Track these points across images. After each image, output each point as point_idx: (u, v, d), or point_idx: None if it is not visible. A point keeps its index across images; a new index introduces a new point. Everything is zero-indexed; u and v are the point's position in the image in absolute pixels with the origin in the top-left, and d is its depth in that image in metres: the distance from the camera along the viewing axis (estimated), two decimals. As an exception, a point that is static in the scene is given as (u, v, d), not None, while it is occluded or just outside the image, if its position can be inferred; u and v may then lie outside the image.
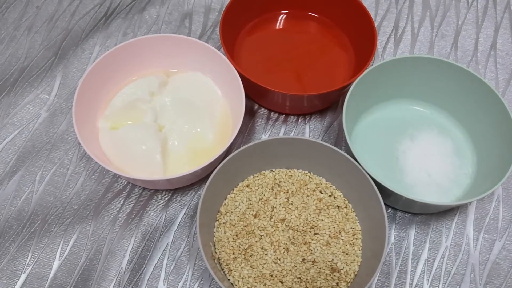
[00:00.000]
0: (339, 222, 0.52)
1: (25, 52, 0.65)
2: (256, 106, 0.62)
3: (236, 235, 0.51)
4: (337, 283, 0.49)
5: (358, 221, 0.52)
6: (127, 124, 0.56)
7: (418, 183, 0.55)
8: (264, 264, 0.49)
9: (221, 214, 0.52)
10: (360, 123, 0.59)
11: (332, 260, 0.50)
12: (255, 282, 0.48)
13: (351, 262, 0.50)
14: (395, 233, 0.54)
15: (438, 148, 0.57)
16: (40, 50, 0.66)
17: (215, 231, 0.51)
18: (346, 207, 0.53)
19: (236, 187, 0.54)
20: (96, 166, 0.57)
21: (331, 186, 0.54)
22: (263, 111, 0.62)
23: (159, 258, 0.52)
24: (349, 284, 0.49)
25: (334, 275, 0.49)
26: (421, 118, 0.59)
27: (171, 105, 0.57)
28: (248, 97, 0.61)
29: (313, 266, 0.49)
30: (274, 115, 0.62)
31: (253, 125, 0.61)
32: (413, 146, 0.58)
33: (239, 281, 0.48)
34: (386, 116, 0.60)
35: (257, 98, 0.61)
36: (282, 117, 0.61)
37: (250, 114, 0.61)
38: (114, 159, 0.55)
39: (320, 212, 0.52)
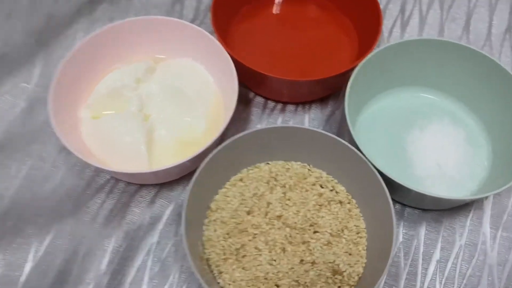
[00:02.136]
0: (342, 219, 0.47)
1: (4, 39, 0.61)
2: (251, 94, 0.57)
3: (228, 234, 0.46)
4: (339, 287, 0.44)
5: (362, 218, 0.47)
6: (110, 113, 0.52)
7: (428, 175, 0.50)
8: (258, 265, 0.44)
9: (211, 211, 0.47)
10: (364, 113, 0.55)
11: (334, 261, 0.45)
12: (248, 286, 0.43)
13: (355, 264, 0.45)
14: (403, 231, 0.49)
15: (449, 138, 0.52)
16: (20, 37, 0.61)
17: (204, 229, 0.47)
18: (349, 203, 0.48)
19: (228, 181, 0.49)
20: (77, 159, 0.52)
21: (332, 180, 0.49)
22: (259, 100, 0.57)
23: (143, 259, 0.47)
24: (352, 288, 0.44)
25: (336, 278, 0.44)
26: (431, 106, 0.54)
27: (158, 93, 0.53)
28: (243, 85, 0.56)
29: (312, 268, 0.44)
30: (270, 104, 0.57)
31: (248, 114, 0.56)
32: (422, 137, 0.53)
33: (229, 284, 0.44)
34: (392, 104, 0.55)
35: (252, 85, 0.57)
36: (279, 106, 0.57)
37: (245, 102, 0.57)
38: (97, 151, 0.50)
39: (321, 208, 0.47)
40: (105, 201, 0.50)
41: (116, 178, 0.51)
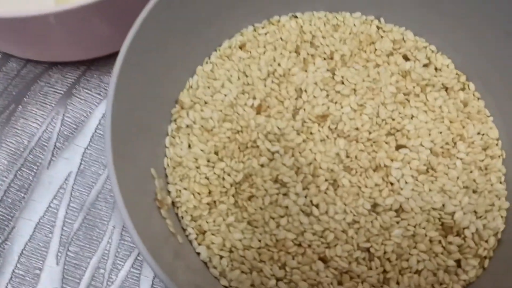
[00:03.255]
0: (451, 122, 0.23)
1: None
2: None
3: (217, 153, 0.22)
4: (458, 262, 0.20)
5: (492, 118, 0.23)
6: None
7: None
8: (281, 217, 0.20)
9: (181, 108, 0.23)
10: None
11: (443, 206, 0.21)
12: (259, 261, 0.20)
13: (486, 212, 0.21)
14: None
15: None
16: None
17: (167, 144, 0.22)
18: (463, 90, 0.24)
19: (216, 50, 0.24)
20: None
21: (426, 46, 0.25)
22: None
23: (48, 206, 0.23)
24: (486, 263, 0.20)
25: (450, 243, 0.20)
26: None
27: None
28: None
29: (398, 222, 0.21)
30: None
31: None
32: None
33: (221, 257, 0.20)
34: None
35: None
36: None
37: None
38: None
39: (408, 100, 0.23)
40: (-22, 94, 0.26)
41: (3, 55, 0.27)
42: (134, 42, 0.20)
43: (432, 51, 0.25)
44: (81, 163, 0.25)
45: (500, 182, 0.22)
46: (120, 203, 0.17)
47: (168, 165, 0.22)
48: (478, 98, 0.24)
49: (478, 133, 0.23)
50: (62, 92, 0.26)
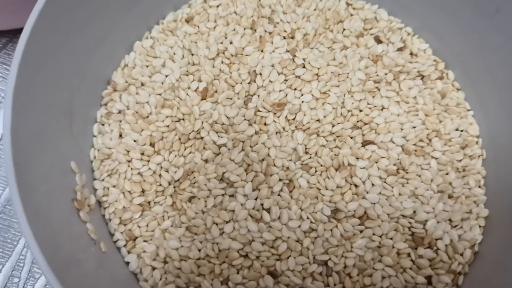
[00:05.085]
0: (427, 115, 0.20)
1: None
2: None
3: (153, 145, 0.18)
4: (428, 279, 0.18)
5: (472, 112, 0.20)
6: None
7: None
8: (226, 225, 0.17)
9: (114, 90, 0.19)
10: None
11: (414, 213, 0.18)
12: (198, 275, 0.17)
13: (463, 220, 0.18)
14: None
15: None
16: None
17: (95, 132, 0.19)
18: (441, 78, 0.21)
19: (158, 23, 0.21)
20: None
21: (402, 28, 0.22)
22: None
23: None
24: (460, 280, 0.18)
25: (420, 256, 0.17)
26: None
27: None
28: None
29: (361, 231, 0.18)
30: None
31: None
32: None
33: (153, 268, 0.17)
34: None
35: None
36: None
37: None
38: None
39: (378, 88, 0.20)
40: None
41: None
42: (50, 5, 0.16)
43: (408, 34, 0.22)
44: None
45: (479, 186, 0.19)
46: (16, 203, 0.14)
47: (95, 157, 0.19)
48: (458, 89, 0.21)
49: (457, 129, 0.20)
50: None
